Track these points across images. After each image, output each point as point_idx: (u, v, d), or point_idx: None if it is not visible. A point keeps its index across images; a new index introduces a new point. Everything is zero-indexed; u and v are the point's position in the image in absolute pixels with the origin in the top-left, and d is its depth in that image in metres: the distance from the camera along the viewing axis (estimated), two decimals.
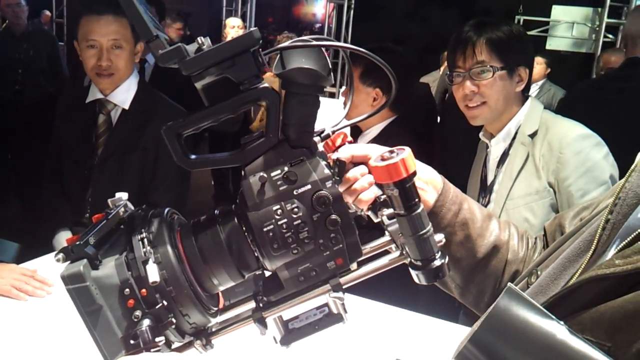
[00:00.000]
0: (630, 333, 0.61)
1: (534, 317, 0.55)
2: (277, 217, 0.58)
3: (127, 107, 2.22)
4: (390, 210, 0.64)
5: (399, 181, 0.57)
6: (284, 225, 0.58)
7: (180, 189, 2.31)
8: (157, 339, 0.57)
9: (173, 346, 0.62)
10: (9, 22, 4.82)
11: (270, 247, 0.59)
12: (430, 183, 0.93)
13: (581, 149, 1.67)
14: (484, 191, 1.90)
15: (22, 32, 4.64)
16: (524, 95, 1.84)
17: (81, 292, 0.57)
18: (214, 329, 0.66)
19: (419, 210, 0.59)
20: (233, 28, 5.43)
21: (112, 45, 2.11)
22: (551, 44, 6.70)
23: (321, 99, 0.62)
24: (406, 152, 0.58)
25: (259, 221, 0.59)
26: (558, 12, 6.69)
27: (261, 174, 0.59)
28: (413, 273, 0.61)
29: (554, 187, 1.70)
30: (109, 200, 1.92)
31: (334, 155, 0.79)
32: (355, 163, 0.85)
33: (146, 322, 0.57)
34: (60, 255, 0.58)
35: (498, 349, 0.54)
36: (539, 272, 0.84)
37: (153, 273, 0.57)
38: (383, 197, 0.74)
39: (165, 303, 0.58)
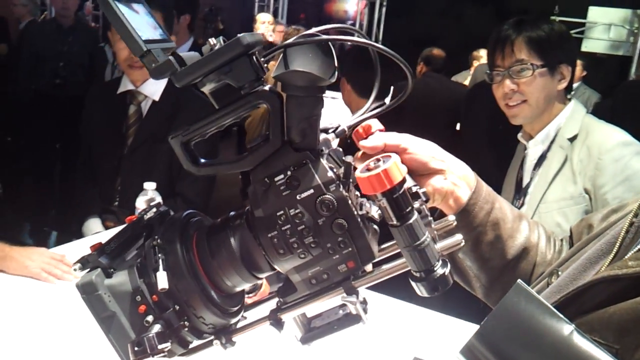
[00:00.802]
0: (638, 336, 0.60)
1: (541, 315, 0.54)
2: (281, 222, 0.57)
3: (157, 98, 2.26)
4: (417, 204, 0.63)
5: (385, 192, 0.54)
6: (288, 232, 0.57)
7: (207, 181, 2.34)
8: (162, 346, 0.58)
9: (192, 345, 0.63)
10: (56, 14, 4.70)
11: (276, 252, 0.58)
12: (463, 179, 0.89)
13: (621, 156, 1.62)
14: (519, 193, 1.87)
15: (69, 25, 4.53)
16: (567, 96, 1.80)
17: (94, 300, 0.60)
18: (237, 326, 0.65)
19: (412, 220, 0.56)
20: (263, 24, 5.47)
21: None
22: (587, 46, 6.55)
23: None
24: (390, 162, 0.54)
25: (263, 227, 0.58)
26: (595, 13, 6.54)
27: (265, 179, 0.58)
28: (414, 285, 0.59)
29: (590, 193, 1.66)
30: (144, 200, 1.92)
31: (363, 143, 0.77)
32: (387, 152, 0.81)
33: (156, 328, 0.58)
34: (77, 265, 0.61)
35: (502, 345, 0.54)
36: (559, 273, 0.83)
37: (162, 280, 0.58)
38: (416, 188, 0.74)
39: (177, 307, 0.59)
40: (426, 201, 0.73)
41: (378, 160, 0.56)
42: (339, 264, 0.59)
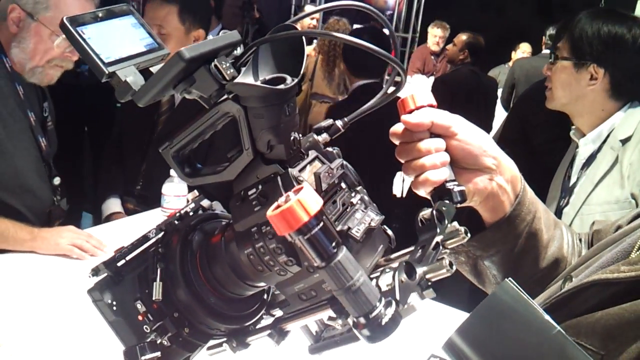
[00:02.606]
0: (621, 342, 0.58)
1: (525, 315, 0.53)
2: (255, 240, 0.55)
3: None
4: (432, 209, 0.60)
5: (294, 232, 0.46)
6: (262, 249, 0.55)
7: None
8: (148, 356, 0.59)
9: (203, 348, 0.64)
10: None
11: (255, 268, 0.57)
12: (510, 183, 0.78)
13: None
14: (565, 192, 1.81)
15: None
16: (620, 99, 1.71)
17: (101, 306, 0.63)
18: (254, 327, 0.65)
19: (339, 257, 0.47)
20: (312, 19, 5.44)
21: (157, 31, 2.13)
22: None
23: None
24: (293, 199, 0.46)
25: (240, 243, 0.57)
26: None
27: (241, 192, 0.57)
28: (356, 332, 0.50)
29: (637, 199, 1.57)
30: (170, 187, 1.92)
31: (406, 118, 0.68)
32: (434, 134, 0.71)
33: (152, 336, 0.60)
34: (90, 273, 0.64)
35: (484, 342, 0.53)
36: (573, 278, 0.79)
37: (157, 290, 0.60)
38: (452, 185, 0.68)
39: (176, 315, 0.60)
40: (459, 203, 0.66)
41: (288, 195, 0.48)
42: (322, 283, 0.54)
